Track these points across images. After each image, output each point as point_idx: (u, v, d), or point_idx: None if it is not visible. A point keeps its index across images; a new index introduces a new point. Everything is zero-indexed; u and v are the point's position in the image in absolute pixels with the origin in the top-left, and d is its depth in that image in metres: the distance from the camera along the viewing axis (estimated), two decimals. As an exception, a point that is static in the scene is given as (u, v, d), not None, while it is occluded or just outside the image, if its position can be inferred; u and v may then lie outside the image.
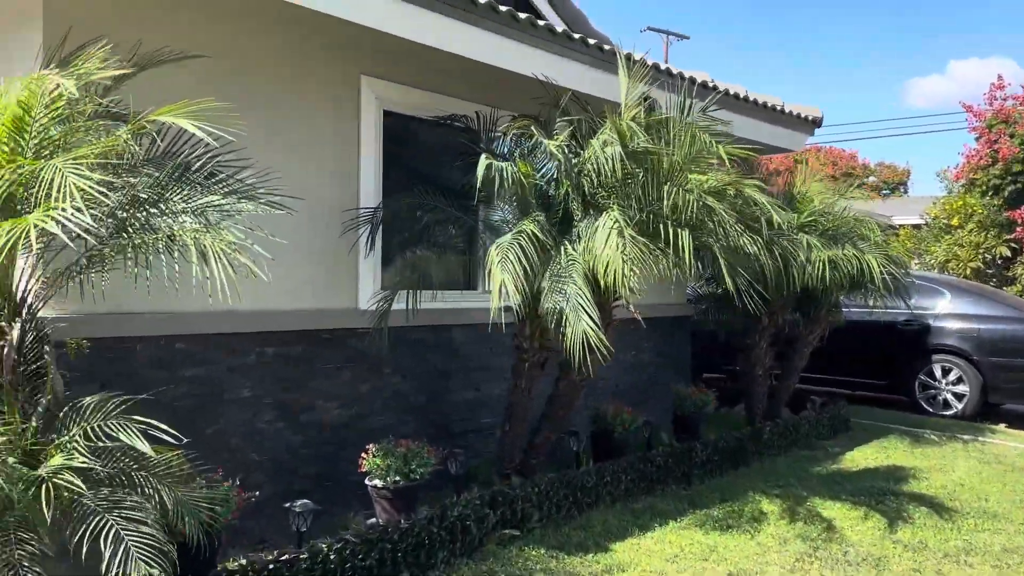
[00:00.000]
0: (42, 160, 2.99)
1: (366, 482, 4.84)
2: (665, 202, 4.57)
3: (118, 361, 4.30)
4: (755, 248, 4.86)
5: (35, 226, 2.64)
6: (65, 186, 2.74)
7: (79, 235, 2.69)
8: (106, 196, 2.77)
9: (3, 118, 3.01)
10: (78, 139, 3.25)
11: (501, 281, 4.26)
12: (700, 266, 4.55)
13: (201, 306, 4.52)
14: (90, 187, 2.74)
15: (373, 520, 4.74)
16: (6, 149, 3.07)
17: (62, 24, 3.97)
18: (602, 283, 4.64)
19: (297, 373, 5.16)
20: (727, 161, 4.66)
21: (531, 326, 5.34)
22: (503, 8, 5.25)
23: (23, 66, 4.05)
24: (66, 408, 3.17)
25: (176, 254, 3.11)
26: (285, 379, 5.10)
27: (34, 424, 3.09)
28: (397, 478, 4.72)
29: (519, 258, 4.35)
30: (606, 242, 4.34)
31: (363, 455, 4.87)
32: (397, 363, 5.73)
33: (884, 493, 6.18)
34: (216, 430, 4.73)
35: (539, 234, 4.56)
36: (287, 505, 4.22)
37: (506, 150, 5.60)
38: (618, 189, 4.89)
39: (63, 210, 2.67)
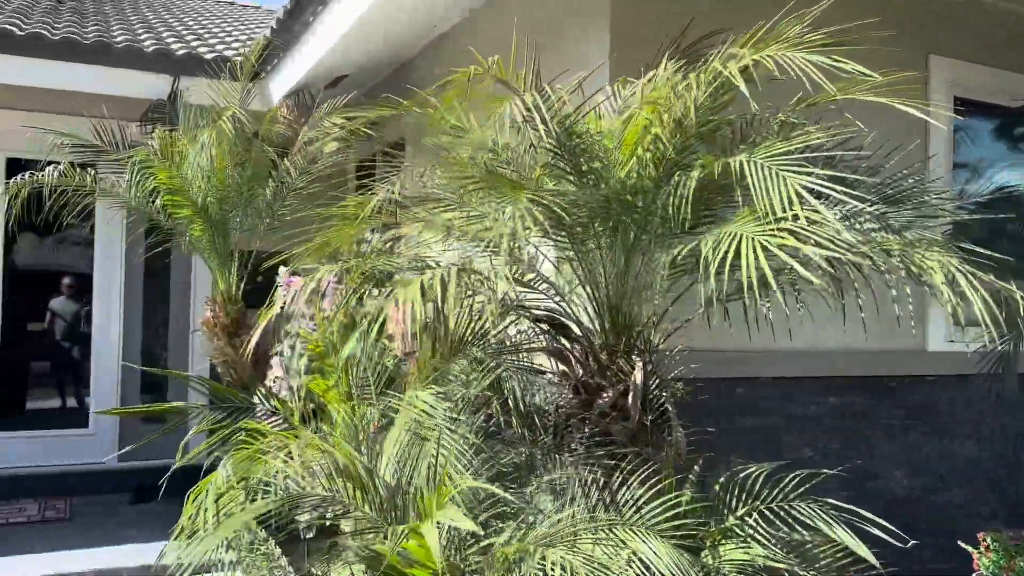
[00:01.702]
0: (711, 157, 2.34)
1: (979, 586, 3.62)
2: None
3: (682, 408, 3.65)
4: None
5: (768, 244, 1.93)
6: (783, 188, 2.00)
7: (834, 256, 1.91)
8: (855, 200, 1.97)
9: (662, 112, 2.42)
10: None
11: None
12: None
13: (759, 343, 3.71)
14: (823, 187, 1.98)
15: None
16: (658, 148, 2.49)
17: (626, 25, 3.54)
18: None
19: (858, 430, 4.13)
20: None
21: None
22: None
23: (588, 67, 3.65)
24: (723, 478, 2.48)
25: (901, 276, 2.26)
26: (845, 437, 4.10)
27: (689, 495, 2.43)
28: (1031, 589, 3.43)
29: None
30: None
31: (974, 551, 3.66)
32: (970, 422, 4.41)
33: None
34: (777, 497, 3.88)
35: None
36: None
37: None
38: None
39: (804, 220, 1.92)
